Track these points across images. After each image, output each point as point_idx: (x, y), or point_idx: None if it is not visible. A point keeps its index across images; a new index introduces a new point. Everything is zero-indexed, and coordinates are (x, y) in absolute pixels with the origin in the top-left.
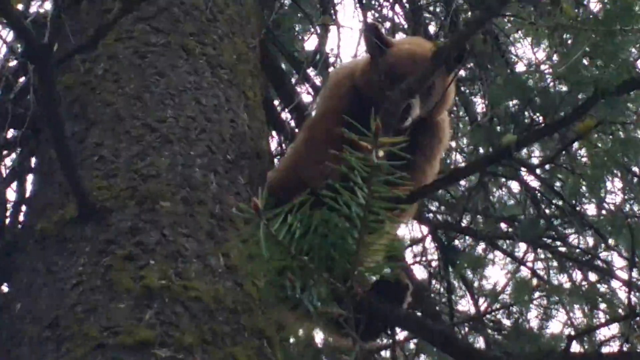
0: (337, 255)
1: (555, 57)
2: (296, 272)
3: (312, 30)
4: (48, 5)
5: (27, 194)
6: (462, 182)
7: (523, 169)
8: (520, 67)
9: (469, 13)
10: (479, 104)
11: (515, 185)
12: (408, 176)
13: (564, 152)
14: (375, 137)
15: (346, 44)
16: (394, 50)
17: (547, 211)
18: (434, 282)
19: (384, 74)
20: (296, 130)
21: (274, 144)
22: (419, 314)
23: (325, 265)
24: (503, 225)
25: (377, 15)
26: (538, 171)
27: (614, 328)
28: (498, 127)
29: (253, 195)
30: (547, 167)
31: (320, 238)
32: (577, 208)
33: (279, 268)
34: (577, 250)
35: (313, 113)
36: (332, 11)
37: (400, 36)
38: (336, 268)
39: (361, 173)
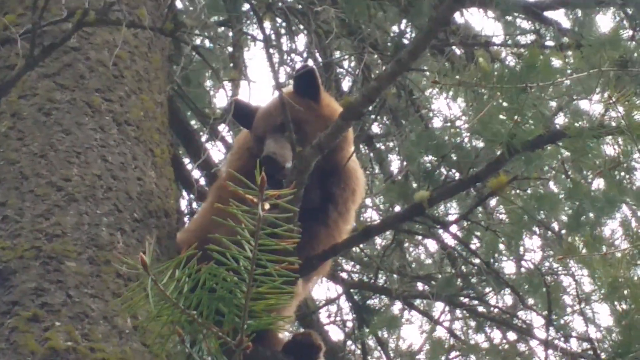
0: (225, 309)
1: (471, 113)
2: (186, 327)
3: (220, 86)
4: None
5: None
6: (378, 241)
7: (438, 226)
8: (436, 123)
9: (382, 68)
10: (394, 161)
11: (432, 244)
12: (295, 228)
13: (481, 210)
14: (260, 190)
15: (258, 99)
16: (256, 115)
17: (464, 270)
18: (349, 342)
19: (254, 139)
20: (206, 188)
21: (184, 203)
22: None
23: (214, 319)
24: (419, 284)
25: (289, 70)
26: (454, 229)
27: None
28: (414, 184)
29: (162, 255)
30: (464, 224)
31: (209, 292)
32: (494, 266)
33: (168, 323)
34: (496, 310)
35: (221, 175)
36: (243, 67)
37: None
38: (225, 322)
39: (248, 226)
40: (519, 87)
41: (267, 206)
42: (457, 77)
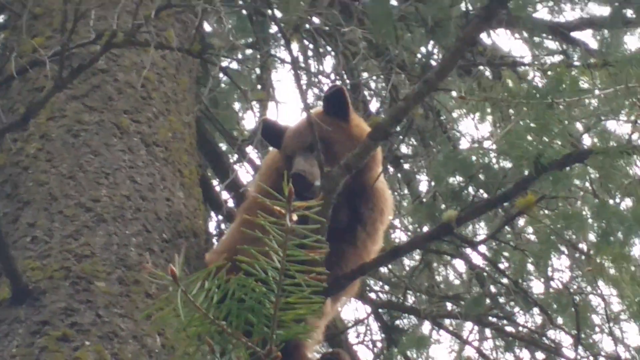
0: (254, 319)
1: (498, 132)
2: (215, 337)
3: (248, 107)
4: None
5: None
6: (407, 261)
7: (466, 246)
8: (463, 144)
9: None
10: (422, 181)
11: (460, 264)
12: (323, 238)
13: (509, 229)
14: (288, 202)
15: (286, 120)
16: (285, 135)
17: (492, 289)
18: None
19: (284, 158)
20: (235, 210)
21: (212, 225)
22: None
23: (243, 330)
24: (448, 304)
25: (317, 91)
26: (482, 248)
27: None
28: (443, 205)
29: (190, 274)
30: (493, 244)
31: (238, 302)
32: (523, 286)
33: (198, 333)
34: (524, 330)
35: (249, 195)
36: (271, 88)
37: None
38: (254, 332)
39: (276, 237)
40: (545, 102)
41: (295, 217)
42: (484, 94)
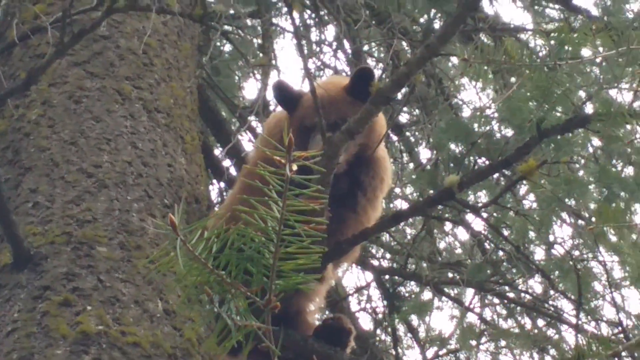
0: (254, 269)
1: (499, 104)
2: (214, 287)
3: (251, 74)
4: None
5: None
6: (408, 229)
7: (469, 212)
8: (465, 112)
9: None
10: (424, 150)
11: (462, 232)
12: (322, 188)
13: (511, 196)
14: (288, 151)
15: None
16: (303, 101)
17: (494, 257)
18: (379, 329)
19: (300, 127)
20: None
21: (213, 192)
22: None
23: (242, 279)
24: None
25: (318, 61)
26: (484, 215)
27: None
28: (443, 172)
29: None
30: (494, 213)
31: (237, 252)
32: (524, 252)
33: (197, 283)
34: (526, 296)
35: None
36: (272, 55)
37: None
38: (253, 282)
39: (275, 187)
40: (548, 64)
41: (294, 167)
42: (488, 56)
